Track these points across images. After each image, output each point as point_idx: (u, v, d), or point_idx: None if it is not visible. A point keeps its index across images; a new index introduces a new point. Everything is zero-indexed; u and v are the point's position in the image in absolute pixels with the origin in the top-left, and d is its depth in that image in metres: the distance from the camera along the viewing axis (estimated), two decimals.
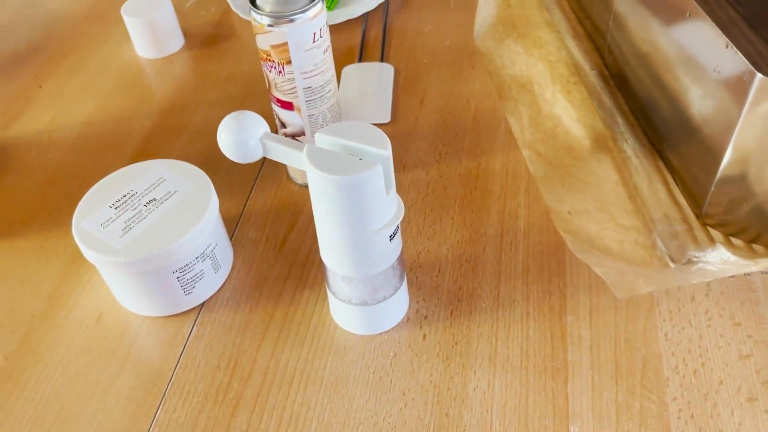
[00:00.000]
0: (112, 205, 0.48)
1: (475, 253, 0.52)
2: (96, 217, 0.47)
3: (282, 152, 0.41)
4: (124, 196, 0.48)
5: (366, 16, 0.77)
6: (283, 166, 0.60)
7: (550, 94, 0.57)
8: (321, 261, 0.52)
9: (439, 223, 0.55)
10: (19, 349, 0.49)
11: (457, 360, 0.46)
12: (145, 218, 0.47)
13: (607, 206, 0.49)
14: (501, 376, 0.45)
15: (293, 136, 0.54)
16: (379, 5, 0.78)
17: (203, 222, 0.46)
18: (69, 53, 0.77)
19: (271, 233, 0.55)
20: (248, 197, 0.58)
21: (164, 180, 0.49)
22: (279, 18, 0.47)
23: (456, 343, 0.47)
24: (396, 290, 0.46)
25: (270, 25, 0.47)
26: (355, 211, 0.39)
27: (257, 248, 0.54)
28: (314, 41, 0.48)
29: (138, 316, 0.50)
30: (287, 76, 0.50)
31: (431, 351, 0.46)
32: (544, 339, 0.46)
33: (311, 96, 0.51)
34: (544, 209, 0.55)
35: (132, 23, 0.73)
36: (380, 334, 0.47)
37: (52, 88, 0.72)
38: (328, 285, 0.46)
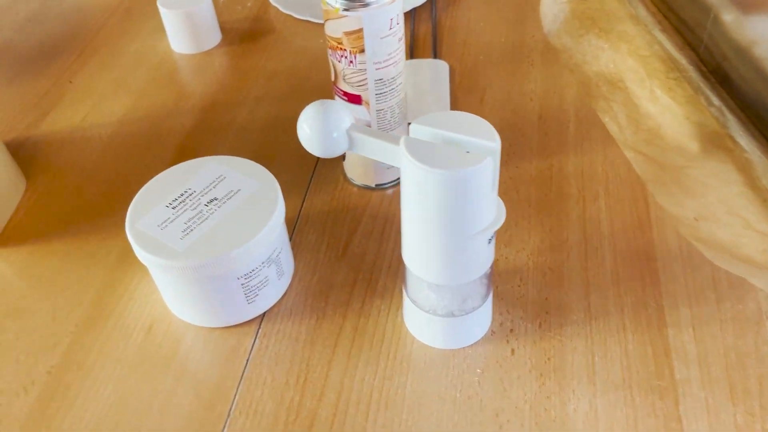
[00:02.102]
0: (169, 205, 0.43)
1: (559, 261, 0.48)
2: (152, 218, 0.43)
3: (372, 145, 0.37)
4: (182, 195, 0.44)
5: (414, 12, 0.73)
6: (339, 166, 0.56)
7: (647, 91, 0.53)
8: (390, 267, 0.48)
9: (515, 228, 0.50)
10: (63, 362, 0.44)
11: (552, 377, 0.41)
12: (207, 219, 0.42)
13: (738, 210, 0.45)
14: (603, 395, 0.40)
15: None
16: (427, 1, 0.74)
17: (272, 223, 0.42)
18: (99, 48, 0.73)
19: (332, 237, 0.51)
20: (303, 199, 0.54)
21: (224, 178, 0.45)
22: (355, 1, 0.43)
23: (549, 359, 0.42)
24: (484, 300, 0.42)
25: (345, 10, 0.43)
26: (459, 210, 0.35)
27: (319, 253, 0.50)
28: (390, 28, 0.45)
29: (193, 326, 0.46)
30: (358, 67, 0.46)
31: (522, 367, 0.42)
32: (645, 354, 0.42)
33: (382, 89, 0.47)
34: (628, 214, 0.51)
35: (169, 16, 0.69)
36: (463, 348, 0.43)
37: (83, 83, 0.68)
38: (408, 293, 0.42)
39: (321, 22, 0.72)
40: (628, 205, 0.51)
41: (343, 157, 0.54)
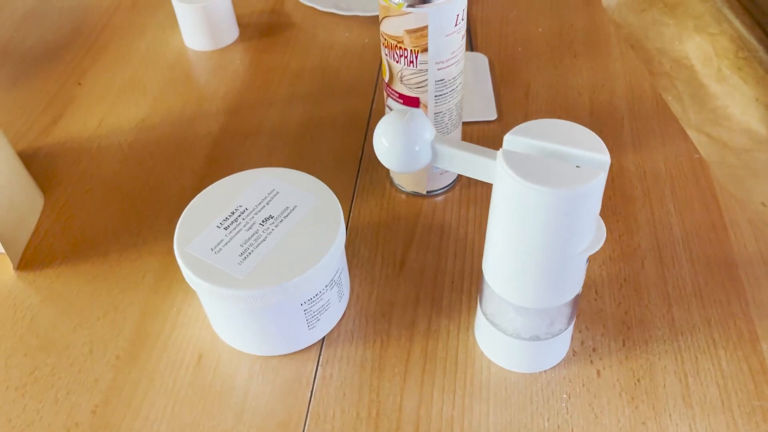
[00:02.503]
0: (220, 225, 0.39)
1: (634, 271, 0.45)
2: (203, 240, 0.39)
3: (459, 158, 0.33)
4: (233, 213, 0.40)
5: None
6: (384, 171, 0.53)
7: (714, 70, 0.50)
8: (453, 282, 0.45)
9: None
10: (108, 400, 0.40)
11: (644, 401, 0.39)
12: (264, 240, 0.39)
13: None
14: (702, 419, 0.38)
15: None
16: None
17: (336, 243, 0.38)
18: (107, 45, 0.68)
19: (387, 250, 0.47)
20: (350, 209, 0.50)
21: (277, 193, 0.41)
22: None
23: (638, 380, 0.39)
24: (570, 322, 0.38)
25: (410, 6, 0.39)
26: (565, 229, 0.31)
27: (374, 269, 0.46)
28: (456, 24, 0.41)
29: (247, 354, 0.42)
30: (419, 67, 0.42)
31: (611, 390, 0.39)
32: (741, 372, 0.39)
33: (443, 90, 0.44)
34: (699, 216, 0.48)
35: (184, 11, 0.64)
36: (545, 371, 0.40)
37: (94, 85, 0.63)
38: (486, 315, 0.39)
39: (347, 14, 0.67)
40: (698, 207, 0.48)
41: None
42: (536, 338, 0.38)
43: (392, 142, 0.33)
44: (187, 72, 0.64)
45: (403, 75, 0.43)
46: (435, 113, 0.45)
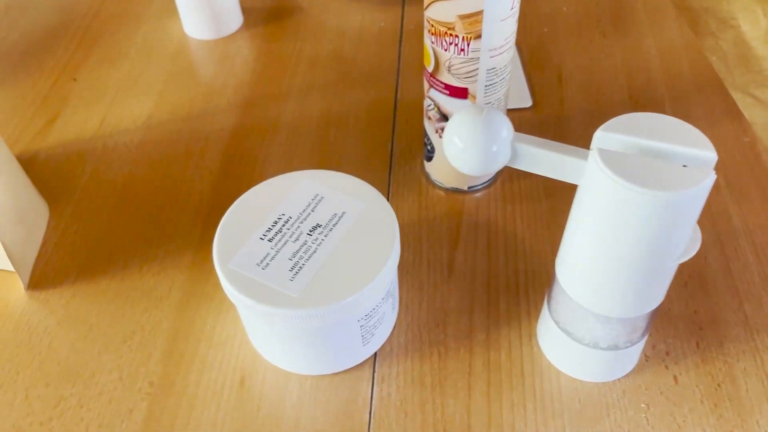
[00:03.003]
0: (264, 236, 0.36)
1: (697, 266, 0.42)
2: (247, 254, 0.35)
3: (544, 158, 0.30)
4: (276, 223, 0.36)
5: None
6: (418, 166, 0.49)
7: (762, 32, 0.48)
8: (507, 286, 0.42)
9: None
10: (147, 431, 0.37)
11: (728, 407, 0.36)
12: (315, 252, 0.35)
13: None
14: None
15: None
16: None
17: (394, 253, 0.35)
18: (100, 35, 0.63)
19: (432, 253, 0.44)
20: None
21: (321, 198, 0.38)
22: None
23: (719, 385, 0.37)
24: (649, 328, 0.36)
25: None
26: (667, 235, 0.28)
27: (421, 274, 0.43)
28: (512, 8, 0.37)
29: (295, 374, 0.38)
30: (470, 55, 0.39)
31: (691, 398, 0.37)
32: None
33: (493, 79, 0.40)
34: (758, 204, 0.45)
35: None
36: (618, 380, 0.38)
37: (90, 81, 0.59)
38: (558, 323, 0.36)
39: None
40: (755, 195, 0.46)
41: (427, 157, 0.47)
42: (615, 347, 0.35)
43: (468, 141, 0.30)
44: (191, 63, 0.60)
45: (451, 64, 0.39)
46: (484, 104, 0.41)
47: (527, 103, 0.53)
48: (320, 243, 0.35)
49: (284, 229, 0.36)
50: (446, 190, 0.48)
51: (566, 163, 0.30)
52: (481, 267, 0.43)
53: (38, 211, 0.47)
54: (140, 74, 0.59)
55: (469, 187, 0.47)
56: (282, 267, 0.34)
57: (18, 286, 0.43)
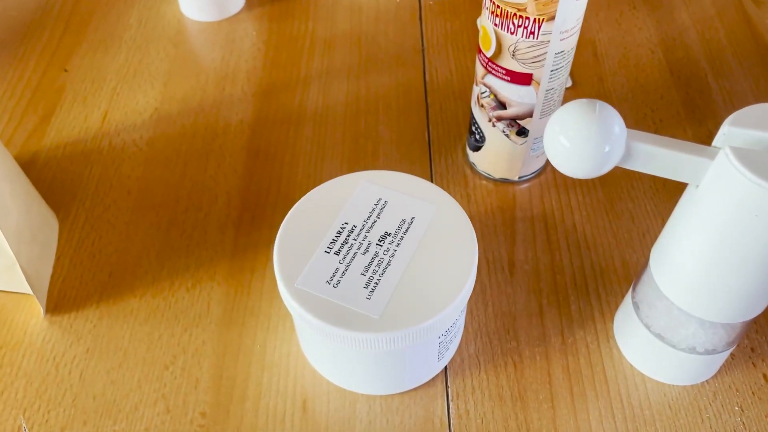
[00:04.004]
0: (329, 249, 0.32)
1: None
2: (314, 271, 0.31)
3: (662, 157, 0.27)
4: (340, 233, 0.33)
5: None
6: (462, 156, 0.46)
7: None
8: (575, 284, 0.39)
9: None
10: None
11: None
12: (389, 265, 0.32)
13: None
14: None
15: (512, 121, 0.40)
16: None
17: (474, 262, 0.32)
18: (88, 20, 0.57)
19: (489, 251, 0.41)
20: None
21: (385, 202, 0.34)
22: None
23: None
24: (746, 330, 0.34)
25: None
26: None
27: (481, 274, 0.40)
28: None
29: (361, 395, 0.35)
30: (540, 38, 0.35)
31: None
32: None
33: (559, 63, 0.37)
34: None
35: None
36: (707, 381, 0.36)
37: (84, 71, 0.53)
38: (651, 329, 0.34)
39: None
40: None
41: (473, 146, 0.44)
42: (712, 351, 0.33)
43: (577, 141, 0.27)
44: (194, 48, 0.55)
45: (517, 48, 0.36)
46: (546, 90, 0.38)
47: (568, 83, 0.50)
48: (392, 254, 0.32)
49: (350, 240, 0.33)
50: (495, 180, 0.44)
51: (684, 162, 0.27)
52: (544, 264, 0.40)
53: (48, 224, 0.42)
54: (140, 62, 0.53)
55: (519, 177, 0.44)
56: (355, 284, 0.31)
57: (36, 311, 0.39)
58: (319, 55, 0.53)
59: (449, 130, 0.48)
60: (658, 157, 0.27)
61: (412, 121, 0.48)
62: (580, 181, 0.44)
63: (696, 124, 0.47)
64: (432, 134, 0.48)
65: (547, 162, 0.45)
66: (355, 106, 0.49)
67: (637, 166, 0.28)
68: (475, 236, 0.33)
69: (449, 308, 0.30)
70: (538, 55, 0.36)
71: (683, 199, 0.29)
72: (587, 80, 0.51)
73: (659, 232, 0.42)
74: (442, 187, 0.44)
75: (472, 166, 0.45)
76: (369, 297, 0.31)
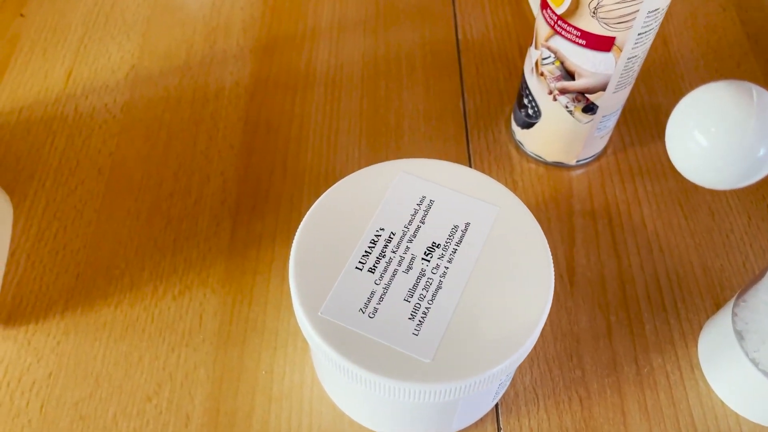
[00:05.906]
0: (361, 265, 0.25)
1: None
2: (342, 295, 0.24)
3: None
4: (375, 243, 0.25)
5: None
6: (506, 132, 0.38)
7: None
8: (649, 297, 0.32)
9: None
10: None
11: None
12: (440, 288, 0.24)
13: None
14: None
15: (580, 94, 0.32)
16: None
17: (551, 285, 0.25)
18: None
19: None
20: None
21: (431, 202, 0.27)
22: None
23: None
24: None
25: None
26: None
27: None
28: None
29: None
30: None
31: None
32: None
33: (650, 24, 0.29)
34: None
35: None
36: None
37: (43, 17, 0.44)
38: (759, 365, 0.27)
39: None
40: None
41: (523, 123, 0.36)
42: None
43: (722, 139, 0.19)
44: None
45: (600, 4, 0.28)
46: (629, 58, 0.30)
47: None
48: (444, 273, 0.25)
49: (388, 252, 0.25)
50: (547, 164, 0.37)
51: None
52: (609, 271, 0.33)
53: (0, 213, 0.34)
54: (111, 7, 0.44)
55: (577, 161, 0.37)
56: (397, 313, 0.24)
57: None
58: (329, 6, 0.45)
59: (489, 100, 0.40)
60: None
61: (443, 88, 0.40)
62: (646, 165, 0.37)
63: None
64: (468, 105, 0.40)
65: (608, 143, 0.38)
66: (374, 68, 0.41)
67: None
68: (548, 249, 0.25)
69: (522, 348, 0.23)
70: (627, 14, 0.28)
71: None
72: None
73: (746, 231, 0.35)
74: (482, 171, 0.37)
75: (518, 146, 0.38)
76: (416, 332, 0.23)
